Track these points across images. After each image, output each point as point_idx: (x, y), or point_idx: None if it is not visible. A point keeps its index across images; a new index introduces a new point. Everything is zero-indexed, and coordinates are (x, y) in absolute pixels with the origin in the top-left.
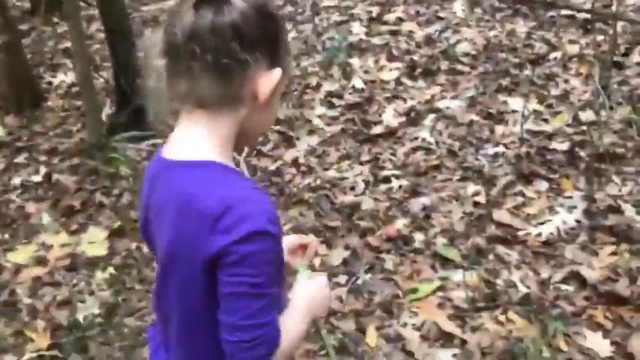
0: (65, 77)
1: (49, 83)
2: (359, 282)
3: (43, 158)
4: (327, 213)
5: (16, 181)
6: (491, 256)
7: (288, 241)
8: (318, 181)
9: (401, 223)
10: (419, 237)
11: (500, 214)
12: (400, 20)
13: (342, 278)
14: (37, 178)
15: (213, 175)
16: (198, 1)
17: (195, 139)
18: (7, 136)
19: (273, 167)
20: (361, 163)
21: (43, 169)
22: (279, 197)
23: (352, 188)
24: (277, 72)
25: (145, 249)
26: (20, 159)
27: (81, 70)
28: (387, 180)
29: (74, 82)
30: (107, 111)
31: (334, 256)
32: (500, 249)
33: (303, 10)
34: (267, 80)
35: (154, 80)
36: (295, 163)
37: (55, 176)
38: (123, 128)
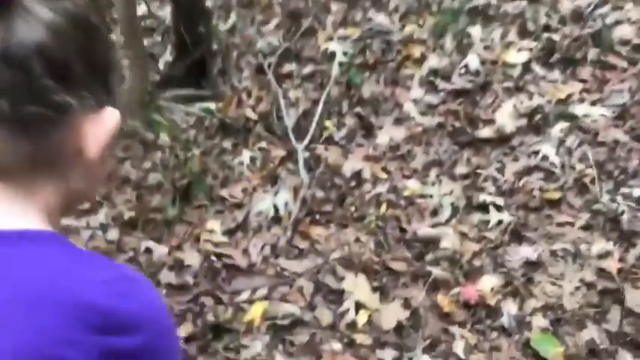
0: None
1: None
2: None
3: None
4: (392, 246)
5: None
6: None
7: None
8: (391, 195)
9: (488, 283)
10: (510, 309)
11: (637, 297)
12: None
13: (388, 354)
14: None
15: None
16: None
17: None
18: None
19: (340, 162)
20: (454, 178)
21: None
22: (336, 208)
23: (434, 213)
24: (113, 114)
25: (156, 253)
26: None
27: (124, 3)
28: (483, 208)
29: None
30: (166, 58)
31: (386, 316)
32: (628, 357)
33: None
34: (101, 128)
35: None
36: (368, 160)
37: None
38: (176, 83)
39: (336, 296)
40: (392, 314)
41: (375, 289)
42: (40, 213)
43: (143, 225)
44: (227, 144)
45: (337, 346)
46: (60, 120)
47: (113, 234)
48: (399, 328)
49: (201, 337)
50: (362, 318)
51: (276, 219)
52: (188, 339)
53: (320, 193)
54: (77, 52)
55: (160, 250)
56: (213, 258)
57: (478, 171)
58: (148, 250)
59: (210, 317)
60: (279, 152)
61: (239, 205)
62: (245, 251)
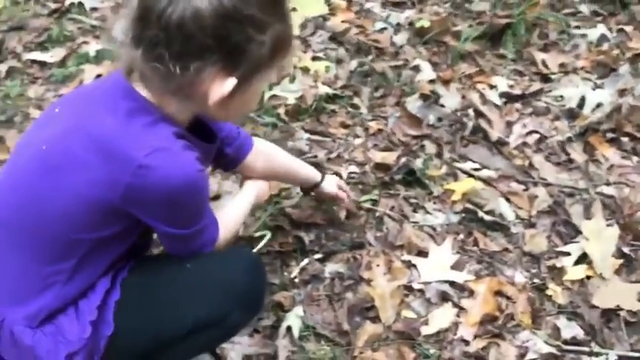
0: None
1: None
2: None
3: None
4: None
5: None
6: None
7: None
8: None
9: None
10: None
11: None
12: None
13: None
14: None
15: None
16: None
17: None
18: None
19: None
20: None
21: None
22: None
23: None
24: (230, 82)
25: None
26: None
27: None
28: None
29: None
30: None
31: None
32: None
33: None
34: (219, 88)
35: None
36: None
37: None
38: None
39: None
40: None
41: None
42: (158, 109)
43: None
44: None
45: None
46: (201, 67)
47: None
48: None
49: None
50: None
51: None
52: None
53: None
54: (210, 33)
55: None
56: None
57: None
58: None
59: None
60: None
61: None
62: None
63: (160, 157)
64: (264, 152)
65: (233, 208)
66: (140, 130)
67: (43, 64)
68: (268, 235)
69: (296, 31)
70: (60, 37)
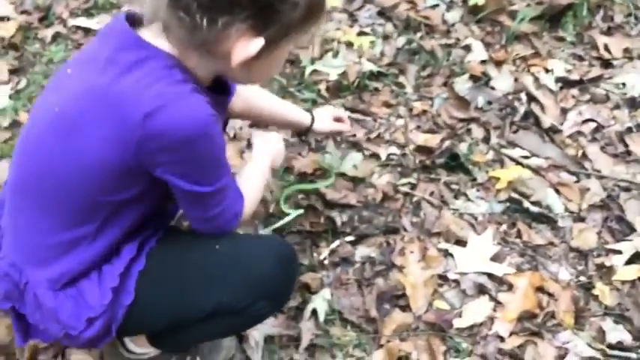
0: None
1: None
2: None
3: None
4: None
5: None
6: None
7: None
8: None
9: None
10: None
11: None
12: None
13: None
14: None
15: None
16: None
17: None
18: None
19: None
20: None
21: None
22: None
23: None
24: (258, 43)
25: None
26: None
27: None
28: None
29: None
30: None
31: None
32: None
33: None
34: (243, 49)
35: None
36: None
37: None
38: None
39: None
40: None
41: None
42: (179, 62)
43: None
44: None
45: None
46: (228, 23)
47: None
48: None
49: None
50: None
51: None
52: None
53: None
54: None
55: None
56: None
57: None
58: None
59: None
60: None
61: None
62: None
63: (167, 102)
64: (244, 95)
65: (251, 176)
66: (145, 78)
67: (87, 31)
68: (297, 212)
69: (341, 4)
70: (106, 4)
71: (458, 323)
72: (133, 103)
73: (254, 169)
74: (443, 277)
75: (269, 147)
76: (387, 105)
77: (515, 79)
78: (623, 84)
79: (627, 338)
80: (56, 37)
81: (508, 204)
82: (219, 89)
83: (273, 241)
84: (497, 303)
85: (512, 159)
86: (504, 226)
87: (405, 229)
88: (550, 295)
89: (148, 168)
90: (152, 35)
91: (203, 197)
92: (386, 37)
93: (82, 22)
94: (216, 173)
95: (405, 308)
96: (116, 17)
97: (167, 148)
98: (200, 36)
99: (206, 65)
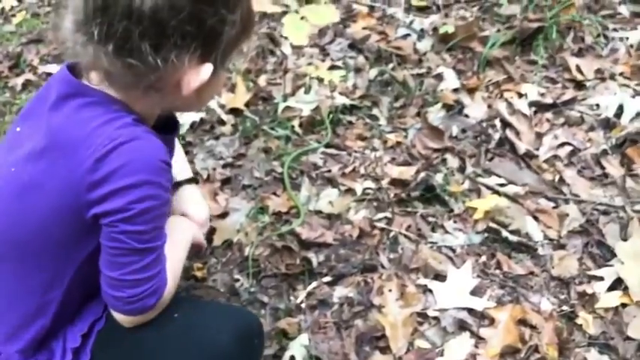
0: None
1: None
2: None
3: None
4: None
5: None
6: None
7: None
8: None
9: None
10: None
11: None
12: None
13: None
14: None
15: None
16: None
17: None
18: None
19: None
20: None
21: None
22: None
23: None
24: (208, 68)
25: None
26: None
27: None
28: None
29: None
30: None
31: None
32: None
33: None
34: (196, 76)
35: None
36: None
37: None
38: None
39: None
40: None
41: None
42: (127, 105)
43: None
44: None
45: None
46: (172, 67)
47: None
48: None
49: None
50: None
51: None
52: None
53: None
54: (187, 19)
55: None
56: None
57: None
58: None
59: None
60: None
61: None
62: None
63: (118, 144)
64: None
65: (173, 254)
66: (94, 121)
67: None
68: None
69: (312, 40)
70: None
71: None
72: (84, 149)
73: (177, 247)
74: (422, 315)
75: (188, 223)
76: (362, 138)
77: (489, 106)
78: (597, 105)
79: None
80: (26, 84)
81: (486, 234)
82: (164, 129)
83: (237, 312)
84: (479, 339)
85: (488, 187)
86: (483, 258)
87: (383, 266)
88: (533, 327)
89: (99, 218)
90: (95, 82)
91: (134, 253)
92: (358, 70)
93: (53, 68)
94: (155, 227)
95: (385, 350)
96: (59, 68)
97: (116, 190)
98: (150, 77)
99: (152, 104)
